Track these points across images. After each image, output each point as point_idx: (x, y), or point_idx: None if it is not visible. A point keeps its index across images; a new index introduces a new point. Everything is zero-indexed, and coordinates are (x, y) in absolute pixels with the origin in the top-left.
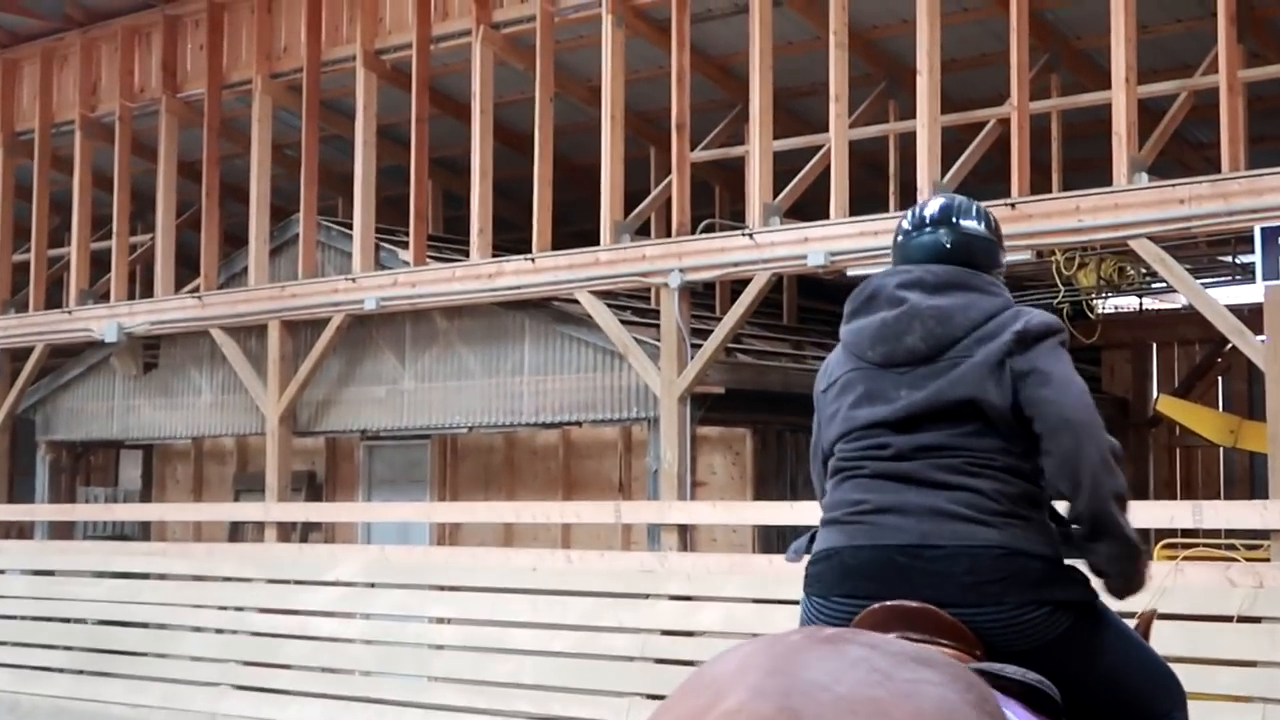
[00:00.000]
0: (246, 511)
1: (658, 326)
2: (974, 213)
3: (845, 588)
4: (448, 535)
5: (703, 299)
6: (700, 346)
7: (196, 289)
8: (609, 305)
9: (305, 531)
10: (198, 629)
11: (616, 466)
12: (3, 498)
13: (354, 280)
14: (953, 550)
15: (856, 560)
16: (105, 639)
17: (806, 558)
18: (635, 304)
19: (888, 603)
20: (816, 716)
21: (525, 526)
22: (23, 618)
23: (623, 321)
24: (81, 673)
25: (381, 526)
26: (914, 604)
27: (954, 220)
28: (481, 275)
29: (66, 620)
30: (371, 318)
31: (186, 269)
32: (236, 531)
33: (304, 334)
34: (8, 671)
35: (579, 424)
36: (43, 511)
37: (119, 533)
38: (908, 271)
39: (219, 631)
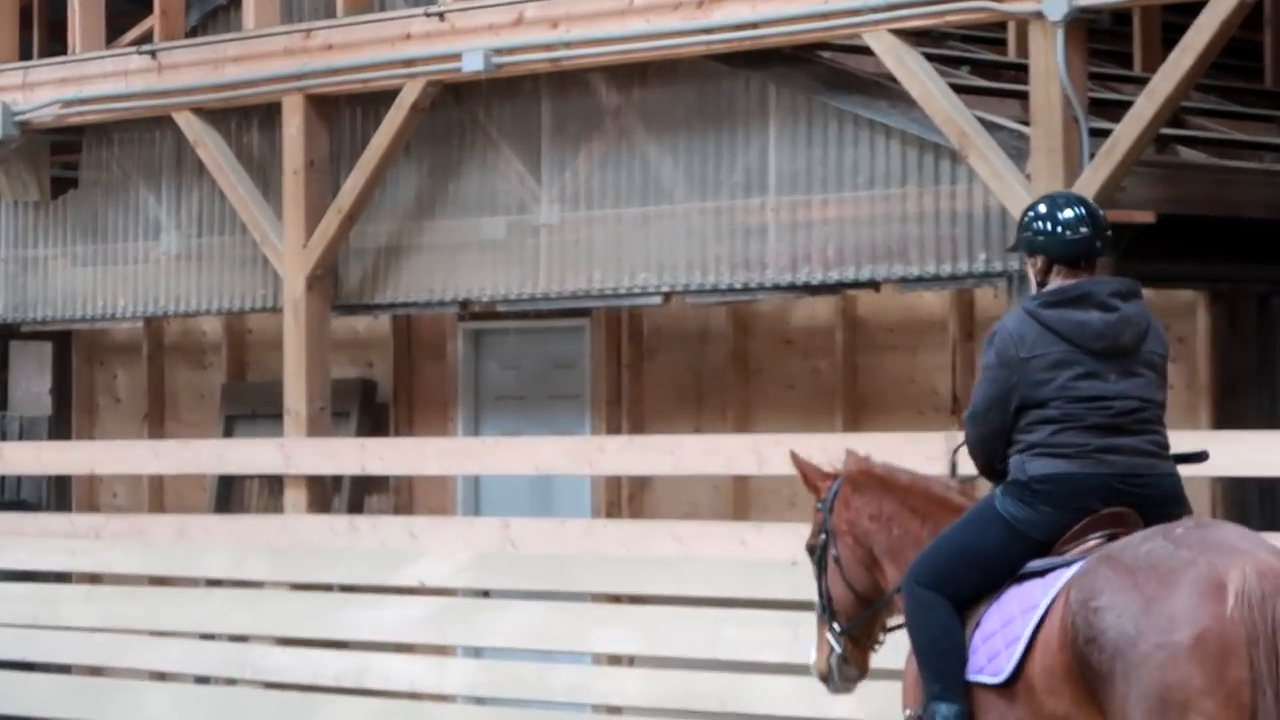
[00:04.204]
0: (248, 455)
1: (1023, 98)
2: (1101, 214)
3: (1078, 501)
4: (625, 498)
5: (1108, 42)
6: (1108, 135)
7: (146, 39)
8: (928, 56)
9: (358, 493)
10: (162, 676)
11: (946, 365)
12: None
13: (442, 17)
14: (1149, 478)
15: (1089, 483)
16: None
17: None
18: (979, 53)
19: (1117, 511)
20: (1258, 563)
21: (774, 482)
22: None
23: (956, 88)
24: None
25: (500, 484)
26: (1127, 513)
27: (1097, 225)
28: (684, 3)
29: None
30: (477, 88)
31: (127, 1)
32: (229, 493)
33: (349, 120)
34: None
35: (874, 286)
36: None
37: (12, 498)
38: (1107, 283)
39: (202, 681)
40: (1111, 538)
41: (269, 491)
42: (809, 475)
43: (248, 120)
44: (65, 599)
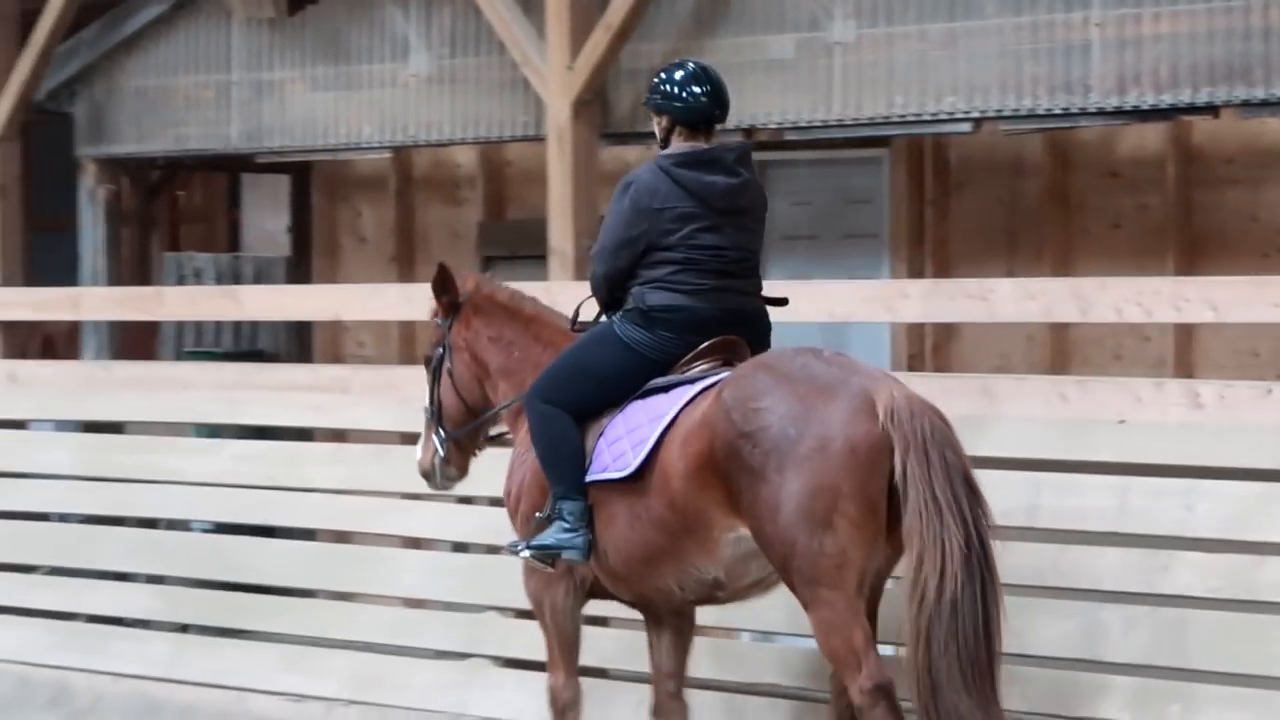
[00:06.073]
0: None
1: None
2: (724, 86)
3: (691, 330)
4: (929, 349)
5: None
6: None
7: None
8: None
9: None
10: (416, 544)
11: None
12: (16, 273)
13: None
14: (752, 314)
15: (703, 316)
16: (227, 561)
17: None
18: None
19: (729, 338)
20: (899, 388)
21: (1097, 331)
22: (65, 519)
23: None
24: (185, 629)
25: (789, 332)
26: (738, 340)
27: (720, 96)
28: None
29: (146, 524)
30: None
31: None
32: None
33: None
34: (46, 626)
35: (1213, 111)
36: (89, 302)
37: (247, 347)
38: (731, 149)
39: (460, 549)
40: (726, 362)
41: None
42: (449, 288)
43: None
44: (309, 458)
